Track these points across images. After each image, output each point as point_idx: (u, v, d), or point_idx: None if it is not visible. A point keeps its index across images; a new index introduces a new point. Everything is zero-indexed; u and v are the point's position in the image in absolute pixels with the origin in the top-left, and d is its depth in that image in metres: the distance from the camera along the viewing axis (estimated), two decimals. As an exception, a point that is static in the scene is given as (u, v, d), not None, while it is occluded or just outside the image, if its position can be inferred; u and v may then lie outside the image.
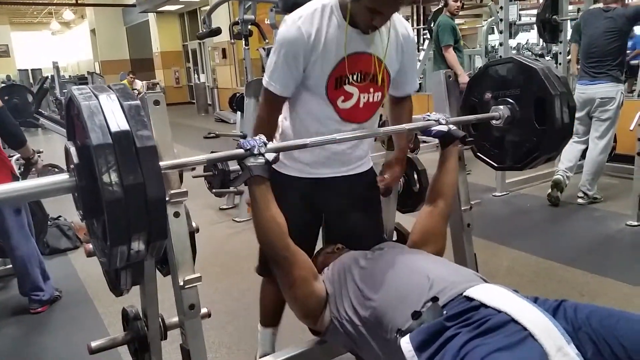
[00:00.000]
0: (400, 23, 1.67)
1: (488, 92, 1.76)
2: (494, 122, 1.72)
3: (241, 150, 1.31)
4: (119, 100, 0.96)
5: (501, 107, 1.70)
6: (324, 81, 1.57)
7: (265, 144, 1.33)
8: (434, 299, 1.23)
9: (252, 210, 1.42)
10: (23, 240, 2.78)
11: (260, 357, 1.95)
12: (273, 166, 1.71)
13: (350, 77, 1.58)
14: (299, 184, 1.72)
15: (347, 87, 1.59)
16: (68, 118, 1.08)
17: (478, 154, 1.85)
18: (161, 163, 1.03)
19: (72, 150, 0.99)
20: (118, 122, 0.92)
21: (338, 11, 1.54)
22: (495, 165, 1.82)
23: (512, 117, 1.69)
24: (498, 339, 1.08)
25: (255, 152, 1.31)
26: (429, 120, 1.61)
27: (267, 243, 1.44)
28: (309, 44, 1.52)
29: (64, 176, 1.00)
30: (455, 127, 1.62)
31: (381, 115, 1.84)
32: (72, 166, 0.98)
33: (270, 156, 1.34)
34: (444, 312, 1.19)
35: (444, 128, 1.59)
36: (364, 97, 1.62)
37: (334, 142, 1.52)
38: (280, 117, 1.72)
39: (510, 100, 1.69)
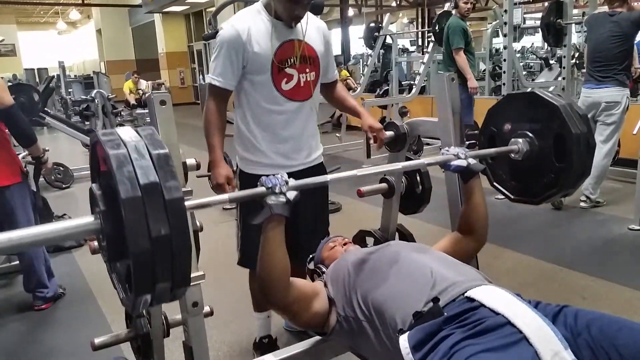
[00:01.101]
0: (315, 18, 2.00)
1: (507, 124, 1.72)
2: (512, 155, 1.68)
3: (263, 189, 1.30)
4: (147, 149, 0.94)
5: (520, 140, 1.66)
6: (268, 67, 1.86)
7: (287, 183, 1.32)
8: (435, 300, 1.24)
9: (262, 247, 1.39)
10: None
11: (258, 340, 2.21)
12: (241, 168, 1.99)
13: (288, 61, 1.88)
14: None
15: (288, 70, 1.89)
16: (93, 160, 1.07)
17: (494, 183, 1.81)
18: (186, 203, 1.01)
19: (98, 194, 0.98)
20: (147, 173, 0.91)
21: (264, 10, 1.88)
22: (512, 197, 1.78)
23: (530, 152, 1.65)
24: (490, 340, 1.09)
25: (277, 190, 1.30)
26: (448, 154, 1.58)
27: (268, 282, 1.40)
28: (244, 39, 1.83)
29: (89, 219, 0.99)
30: (474, 161, 1.58)
31: (334, 113, 1.92)
32: (97, 209, 0.98)
33: (291, 195, 1.31)
34: (444, 313, 1.20)
35: (462, 163, 1.56)
36: (302, 77, 1.93)
37: (355, 177, 1.51)
38: (235, 125, 2.00)
39: (530, 134, 1.65)
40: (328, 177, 1.46)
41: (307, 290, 1.49)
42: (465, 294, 1.25)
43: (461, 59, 4.89)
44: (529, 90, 1.67)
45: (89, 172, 1.11)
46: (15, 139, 2.80)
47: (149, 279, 0.92)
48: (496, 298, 1.23)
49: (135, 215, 0.88)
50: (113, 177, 0.90)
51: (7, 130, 2.70)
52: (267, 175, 1.32)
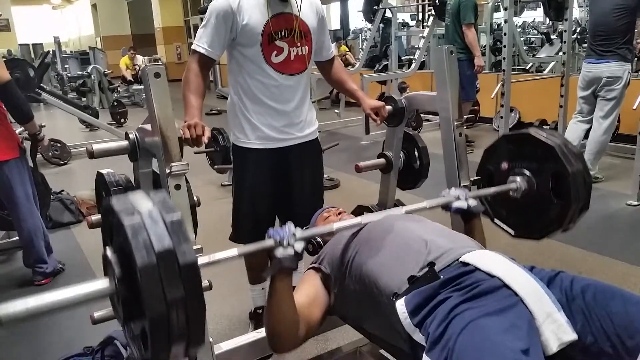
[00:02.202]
0: None
1: (505, 162, 1.75)
2: (511, 193, 1.70)
3: (271, 241, 1.28)
4: (161, 215, 0.96)
5: (518, 178, 1.68)
6: (258, 39, 1.85)
7: (295, 235, 1.28)
8: (431, 264, 1.26)
9: (270, 300, 1.36)
10: (30, 212, 2.82)
11: (253, 310, 2.26)
12: (234, 142, 1.99)
13: (279, 33, 1.87)
14: (260, 155, 1.97)
15: (278, 42, 1.88)
16: (105, 223, 1.08)
17: (495, 220, 1.84)
18: (199, 261, 1.03)
19: (113, 259, 1.00)
20: (162, 240, 0.93)
21: None
22: (513, 233, 1.81)
23: (529, 189, 1.68)
24: (488, 303, 1.10)
25: (285, 243, 1.27)
26: (449, 196, 1.60)
27: (277, 332, 1.37)
28: (234, 8, 1.82)
29: (104, 283, 1.01)
30: (475, 203, 1.60)
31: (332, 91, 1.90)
32: (112, 274, 0.99)
33: (299, 247, 1.28)
34: (441, 276, 1.21)
35: (463, 205, 1.58)
36: (293, 51, 1.92)
37: (360, 224, 1.48)
38: (229, 98, 2.02)
39: (527, 173, 1.68)
40: (334, 226, 1.42)
41: (311, 313, 1.44)
42: (460, 259, 1.27)
43: (472, 34, 4.87)
44: (523, 131, 1.72)
45: (85, 149, 1.10)
46: (11, 116, 2.77)
47: (165, 340, 0.94)
48: (491, 261, 1.24)
49: (151, 281, 0.91)
50: (129, 245, 0.92)
51: (3, 105, 2.68)
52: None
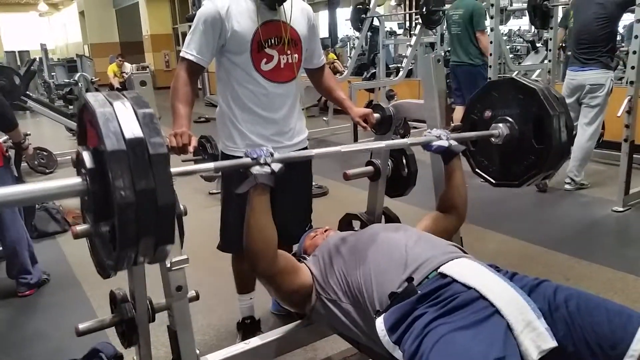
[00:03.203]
0: (301, 1, 1.99)
1: (488, 110, 1.78)
2: (493, 139, 1.74)
3: (248, 159, 1.33)
4: (133, 108, 0.98)
5: (500, 125, 1.72)
6: (247, 47, 1.84)
7: (272, 154, 1.34)
8: (409, 279, 1.26)
9: (248, 218, 1.42)
10: (12, 222, 2.77)
11: (241, 321, 2.24)
12: (223, 150, 1.97)
13: (269, 41, 1.86)
14: None
15: (268, 50, 1.87)
16: (80, 123, 1.09)
17: (476, 170, 1.86)
18: (172, 170, 1.06)
19: (85, 154, 1.00)
20: (132, 129, 0.94)
21: None
22: (493, 182, 1.83)
23: (510, 136, 1.71)
24: (463, 317, 1.10)
25: (262, 161, 1.32)
26: (430, 135, 1.64)
27: (255, 250, 1.42)
28: (222, 14, 1.80)
29: (77, 180, 1.02)
30: (455, 143, 1.64)
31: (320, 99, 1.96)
32: (83, 170, 1.00)
33: (276, 167, 1.34)
34: (418, 291, 1.22)
35: (444, 143, 1.62)
36: (283, 59, 1.90)
37: (339, 153, 1.53)
38: (218, 106, 2.00)
39: (510, 119, 1.71)
40: (313, 152, 1.48)
41: (293, 262, 1.52)
42: (439, 270, 1.27)
43: (486, 39, 4.94)
44: (507, 77, 1.77)
45: (71, 157, 1.12)
46: None
47: (133, 232, 0.94)
48: (468, 272, 1.25)
49: (120, 169, 0.91)
50: (99, 132, 0.93)
51: None
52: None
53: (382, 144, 1.68)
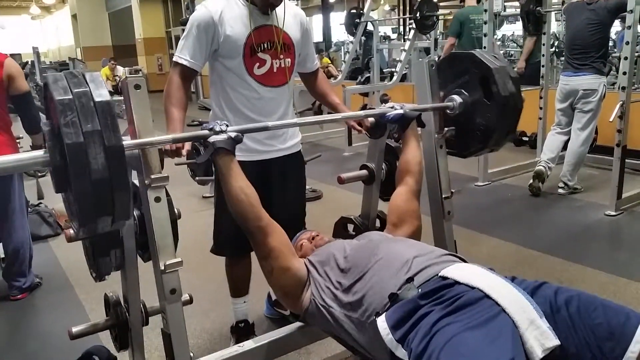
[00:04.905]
0: (293, 5, 2.01)
1: (441, 91, 1.89)
2: (449, 112, 1.85)
3: (205, 131, 1.40)
4: (82, 74, 1.12)
5: (454, 96, 1.85)
6: (240, 51, 1.84)
7: (227, 125, 1.42)
8: (409, 280, 1.26)
9: (221, 184, 1.47)
10: (21, 224, 2.79)
11: (235, 324, 2.22)
12: None
13: (261, 45, 1.87)
14: (242, 167, 1.91)
15: (260, 55, 1.88)
16: (45, 101, 1.18)
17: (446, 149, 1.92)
18: (126, 142, 1.17)
19: (47, 129, 1.12)
20: (80, 83, 1.09)
21: None
22: (462, 154, 1.94)
23: (464, 103, 1.83)
24: (470, 316, 1.10)
25: (217, 129, 1.39)
26: (385, 107, 1.75)
27: (239, 214, 1.46)
28: (216, 19, 1.80)
29: (41, 152, 1.12)
30: (410, 110, 1.73)
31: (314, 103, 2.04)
32: (47, 144, 1.12)
33: (232, 133, 1.41)
34: (419, 290, 1.22)
35: (399, 112, 1.72)
36: (276, 63, 1.91)
37: (295, 125, 1.60)
38: (211, 109, 2.00)
39: (463, 91, 1.84)
40: (269, 123, 1.59)
41: (287, 240, 1.52)
42: (439, 274, 1.27)
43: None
44: (449, 54, 1.98)
45: None
46: (23, 125, 2.79)
47: (91, 213, 1.08)
48: (470, 273, 1.25)
49: (77, 160, 1.03)
50: (50, 90, 1.06)
51: (20, 115, 2.75)
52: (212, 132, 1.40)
53: (338, 116, 1.85)
